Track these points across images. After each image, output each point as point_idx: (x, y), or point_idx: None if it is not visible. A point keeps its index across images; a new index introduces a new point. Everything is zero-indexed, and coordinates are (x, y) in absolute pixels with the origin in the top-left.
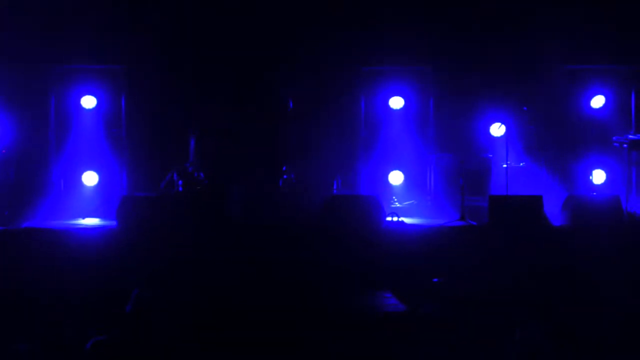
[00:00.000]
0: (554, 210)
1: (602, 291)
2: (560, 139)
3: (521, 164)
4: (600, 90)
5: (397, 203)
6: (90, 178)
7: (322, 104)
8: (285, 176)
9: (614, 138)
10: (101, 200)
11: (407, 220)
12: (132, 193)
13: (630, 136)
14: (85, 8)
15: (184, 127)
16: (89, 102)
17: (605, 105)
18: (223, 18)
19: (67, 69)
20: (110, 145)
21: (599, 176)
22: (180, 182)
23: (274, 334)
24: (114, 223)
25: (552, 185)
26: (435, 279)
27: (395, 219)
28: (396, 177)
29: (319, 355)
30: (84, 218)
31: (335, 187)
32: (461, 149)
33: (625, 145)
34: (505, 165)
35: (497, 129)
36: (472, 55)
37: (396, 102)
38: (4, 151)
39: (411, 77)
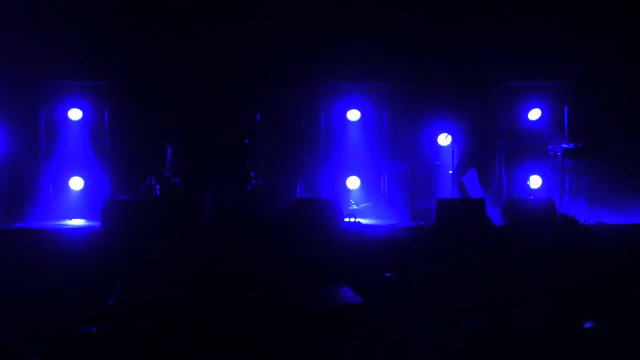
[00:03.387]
0: (495, 212)
1: (537, 285)
2: (500, 148)
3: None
4: (537, 104)
5: (354, 205)
6: (76, 183)
7: (287, 116)
8: (253, 182)
9: (549, 147)
10: (86, 203)
11: (363, 220)
12: (114, 197)
13: (564, 145)
14: (72, 30)
15: (162, 137)
16: (75, 114)
17: (541, 118)
18: (195, 40)
19: (55, 85)
20: (95, 153)
21: (535, 181)
22: (158, 187)
23: (243, 326)
24: (98, 224)
25: (493, 189)
26: (388, 274)
27: (352, 219)
28: (353, 182)
29: (285, 344)
30: (70, 219)
31: (298, 191)
32: (412, 156)
33: (559, 154)
34: (451, 172)
35: (444, 139)
36: (422, 73)
37: (353, 115)
38: None
39: (367, 92)
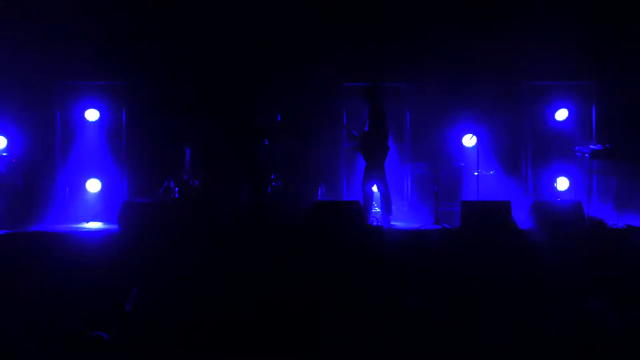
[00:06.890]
0: (521, 215)
1: (564, 290)
2: (526, 148)
3: (491, 171)
4: (564, 105)
5: (377, 208)
6: (93, 185)
7: (308, 117)
8: (273, 184)
9: (576, 148)
10: (103, 206)
11: None
12: (132, 199)
13: (591, 146)
14: (89, 31)
15: (180, 138)
16: (92, 115)
17: (568, 118)
18: (214, 42)
19: (71, 85)
20: (112, 155)
21: (562, 183)
22: (176, 189)
23: (263, 331)
24: (115, 227)
25: (519, 191)
26: None
27: (375, 223)
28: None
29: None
30: (87, 222)
31: (319, 193)
32: (435, 158)
33: (586, 155)
34: (476, 173)
35: (469, 140)
36: (446, 73)
37: None
38: (13, 160)
39: (389, 92)
